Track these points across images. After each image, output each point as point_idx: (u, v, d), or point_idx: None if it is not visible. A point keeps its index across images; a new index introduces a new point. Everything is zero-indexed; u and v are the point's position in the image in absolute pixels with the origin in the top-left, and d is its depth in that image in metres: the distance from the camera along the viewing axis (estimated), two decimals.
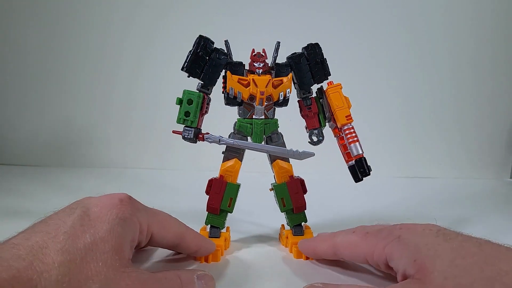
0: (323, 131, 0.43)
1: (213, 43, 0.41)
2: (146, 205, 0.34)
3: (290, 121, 0.44)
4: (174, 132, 0.41)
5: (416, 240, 0.30)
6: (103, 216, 0.29)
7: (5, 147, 0.87)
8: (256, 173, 0.54)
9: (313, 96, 0.43)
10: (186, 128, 0.41)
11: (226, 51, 0.42)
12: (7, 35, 0.84)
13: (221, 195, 0.42)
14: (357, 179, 0.42)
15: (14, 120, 0.87)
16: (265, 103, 0.42)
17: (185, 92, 0.41)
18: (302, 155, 0.41)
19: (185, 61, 0.41)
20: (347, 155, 0.43)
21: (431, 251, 0.28)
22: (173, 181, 0.78)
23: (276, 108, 0.43)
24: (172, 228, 0.36)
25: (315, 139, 0.43)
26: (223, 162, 0.43)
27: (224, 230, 0.43)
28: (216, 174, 0.43)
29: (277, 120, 0.43)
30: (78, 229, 0.27)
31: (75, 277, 0.24)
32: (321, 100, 0.43)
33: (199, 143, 0.42)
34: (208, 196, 0.42)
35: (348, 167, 0.43)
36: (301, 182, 0.43)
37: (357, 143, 0.42)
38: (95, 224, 0.28)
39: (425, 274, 0.27)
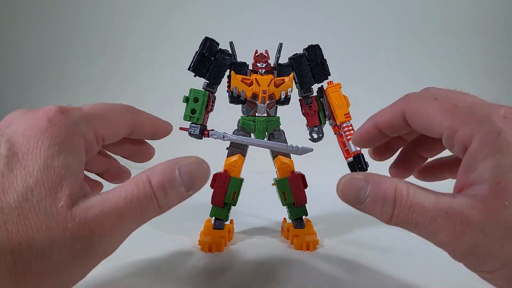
0: (323, 128, 0.45)
1: (218, 44, 0.43)
2: (81, 106, 0.27)
3: (291, 121, 0.46)
4: (181, 128, 0.43)
5: None
6: (33, 148, 0.23)
7: None
8: (256, 173, 0.56)
9: (313, 95, 0.45)
10: (192, 125, 0.43)
11: (230, 52, 0.44)
12: (9, 35, 0.86)
13: (225, 189, 0.43)
14: None
15: None
16: (268, 102, 0.43)
17: (191, 90, 0.43)
18: (301, 151, 0.43)
19: (192, 61, 0.43)
20: (346, 151, 0.44)
21: None
22: None
23: (278, 106, 0.45)
24: (122, 120, 0.30)
25: (315, 136, 0.45)
26: (227, 157, 0.44)
27: (228, 222, 0.45)
28: (219, 170, 0.45)
29: (279, 117, 0.45)
30: (8, 175, 0.22)
31: (14, 238, 0.21)
32: (321, 99, 0.45)
33: (204, 141, 0.44)
34: (212, 190, 0.44)
35: (347, 163, 0.45)
36: (302, 177, 0.45)
37: None
38: (26, 163, 0.22)
39: (498, 205, 0.21)
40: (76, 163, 0.24)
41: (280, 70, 0.44)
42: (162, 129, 0.34)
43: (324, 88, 0.45)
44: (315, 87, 0.45)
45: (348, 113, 0.44)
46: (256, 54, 0.44)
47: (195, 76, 0.43)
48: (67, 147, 0.24)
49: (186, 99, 0.42)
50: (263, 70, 0.43)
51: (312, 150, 0.43)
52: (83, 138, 0.26)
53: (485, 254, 0.21)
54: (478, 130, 0.23)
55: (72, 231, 0.22)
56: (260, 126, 0.44)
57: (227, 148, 0.45)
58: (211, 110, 0.44)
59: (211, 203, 0.44)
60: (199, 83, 0.44)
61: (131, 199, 0.23)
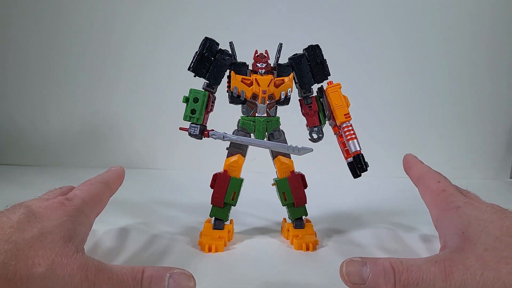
0: (323, 129, 0.45)
1: (218, 44, 0.43)
2: (77, 193, 0.35)
3: (291, 121, 0.46)
4: (181, 128, 0.43)
5: (472, 214, 0.31)
6: (49, 214, 0.30)
7: (25, 148, 0.90)
8: (256, 173, 0.56)
9: (313, 95, 0.45)
10: (192, 125, 0.43)
11: (230, 52, 0.44)
12: (8, 35, 0.86)
13: (225, 189, 0.44)
14: (355, 175, 0.44)
15: (30, 122, 0.89)
16: (267, 102, 0.44)
17: (191, 91, 0.43)
18: (301, 151, 0.43)
19: (192, 62, 0.43)
20: (346, 152, 0.44)
21: (481, 226, 0.29)
22: (178, 178, 0.80)
23: (278, 107, 0.45)
24: (105, 197, 0.38)
25: (315, 136, 0.45)
26: (227, 157, 0.45)
27: (227, 223, 0.45)
28: (219, 171, 0.45)
29: (278, 118, 0.45)
30: (25, 224, 0.28)
31: (21, 261, 0.25)
32: (321, 99, 0.45)
33: (204, 141, 0.44)
34: (212, 190, 0.44)
35: (347, 164, 0.45)
36: (302, 177, 0.45)
37: (355, 140, 0.44)
38: (42, 221, 0.29)
39: (467, 245, 0.28)
40: (83, 232, 0.31)
41: (280, 70, 0.44)
42: (119, 180, 0.41)
43: (324, 88, 0.45)
44: (315, 87, 0.46)
45: (348, 113, 0.44)
46: (256, 54, 0.44)
47: (195, 76, 0.43)
48: (77, 220, 0.31)
49: (186, 99, 0.43)
50: (263, 70, 0.43)
51: (312, 150, 0.43)
52: (87, 218, 0.33)
53: (473, 286, 0.26)
54: (446, 207, 0.34)
55: (73, 269, 0.26)
56: (260, 126, 0.44)
57: (227, 148, 0.45)
58: (211, 110, 0.44)
59: (211, 203, 0.44)
60: (199, 83, 0.44)
61: (122, 278, 0.27)
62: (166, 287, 0.28)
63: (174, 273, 0.28)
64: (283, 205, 0.45)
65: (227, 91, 0.44)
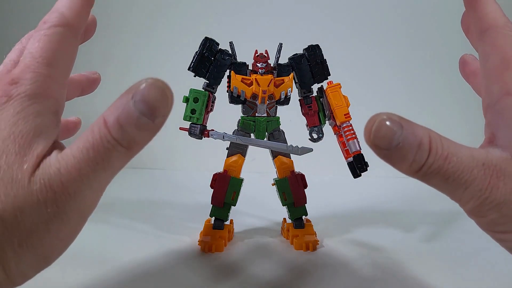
0: (323, 128, 0.45)
1: (218, 44, 0.43)
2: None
3: (291, 121, 0.46)
4: (181, 128, 0.43)
5: None
6: None
7: None
8: (256, 173, 0.56)
9: (313, 95, 0.45)
10: (192, 125, 0.43)
11: (230, 52, 0.44)
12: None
13: (225, 189, 0.44)
14: (355, 174, 0.44)
15: None
16: (267, 102, 0.44)
17: (191, 91, 0.43)
18: (301, 151, 0.43)
19: (192, 62, 0.43)
20: (346, 151, 0.44)
21: None
22: (178, 178, 0.80)
23: (278, 106, 0.45)
24: (67, 49, 0.26)
25: (315, 136, 0.45)
26: (227, 157, 0.45)
27: (228, 222, 0.45)
28: (219, 171, 0.45)
29: (278, 118, 0.45)
30: None
31: None
32: (321, 99, 0.45)
33: (203, 141, 0.44)
34: (212, 190, 0.44)
35: (347, 164, 0.45)
36: (302, 177, 0.45)
37: (355, 140, 0.43)
38: None
39: None
40: (44, 125, 0.23)
41: (280, 70, 0.44)
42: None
43: (324, 88, 0.45)
44: (315, 87, 0.46)
45: (348, 113, 0.44)
46: (256, 54, 0.44)
47: (195, 76, 0.44)
48: (32, 113, 0.22)
49: (186, 99, 0.43)
50: (263, 70, 0.43)
51: (312, 150, 0.43)
52: (48, 98, 0.23)
53: None
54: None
55: (38, 195, 0.20)
56: (260, 126, 0.44)
57: (227, 148, 0.45)
58: (211, 110, 0.44)
59: (211, 203, 0.44)
60: (199, 83, 0.44)
61: (88, 148, 0.21)
62: (140, 113, 0.21)
63: (136, 93, 0.21)
64: (283, 205, 0.45)
65: (227, 91, 0.44)
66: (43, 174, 0.21)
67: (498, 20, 0.25)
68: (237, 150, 0.44)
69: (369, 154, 0.44)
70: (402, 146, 0.21)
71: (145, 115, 0.21)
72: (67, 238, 0.23)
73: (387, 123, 0.21)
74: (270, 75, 0.43)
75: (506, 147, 0.23)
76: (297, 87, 0.45)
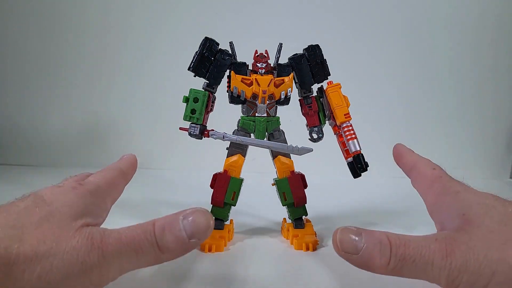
0: (323, 128, 0.45)
1: (218, 44, 0.43)
2: (91, 179, 0.33)
3: (291, 121, 0.46)
4: (181, 128, 0.43)
5: (473, 198, 0.29)
6: (60, 198, 0.28)
7: (25, 148, 0.90)
8: (256, 173, 0.56)
9: (313, 95, 0.45)
10: (192, 125, 0.43)
11: (230, 52, 0.44)
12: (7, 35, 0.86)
13: (225, 189, 0.44)
14: (355, 174, 0.44)
15: (33, 122, 0.89)
16: (267, 102, 0.44)
17: (191, 91, 0.43)
18: (301, 151, 0.43)
19: (192, 62, 0.43)
20: (346, 151, 0.44)
21: (483, 209, 0.28)
22: (178, 178, 0.80)
23: (278, 106, 0.45)
24: (118, 184, 0.35)
25: (315, 136, 0.45)
26: (227, 157, 0.45)
27: (227, 222, 0.45)
28: (219, 171, 0.45)
29: (279, 117, 0.45)
30: (32, 208, 0.26)
31: (27, 243, 0.24)
32: (321, 99, 0.45)
33: (204, 141, 0.44)
34: (212, 190, 0.44)
35: (347, 164, 0.45)
36: (302, 177, 0.45)
37: (355, 140, 0.44)
38: (52, 204, 0.27)
39: (470, 226, 0.27)
40: (96, 213, 0.30)
41: (280, 70, 0.44)
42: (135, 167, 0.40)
43: (324, 88, 0.45)
44: (315, 87, 0.46)
45: (348, 113, 0.44)
46: (256, 54, 0.44)
47: (195, 76, 0.44)
48: (89, 201, 0.29)
49: (186, 99, 0.43)
50: (263, 70, 0.43)
51: (312, 150, 0.43)
52: (102, 201, 0.31)
53: (475, 266, 0.25)
54: (444, 192, 0.32)
55: (77, 241, 0.24)
56: (260, 126, 0.44)
57: (227, 148, 0.45)
58: (211, 110, 0.44)
59: (211, 203, 0.44)
60: (199, 83, 0.44)
61: (132, 235, 0.26)
62: (183, 229, 0.26)
63: (187, 214, 0.27)
64: (283, 205, 0.45)
65: (227, 91, 0.44)
66: (88, 230, 0.26)
67: (417, 159, 0.38)
68: (237, 150, 0.44)
69: (369, 154, 0.45)
70: (366, 247, 0.26)
71: (186, 231, 0.26)
72: None
73: (349, 234, 0.27)
74: (270, 75, 0.43)
75: (450, 226, 0.29)
76: (297, 87, 0.45)
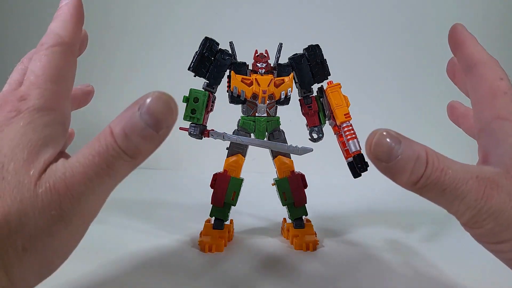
0: (323, 128, 0.45)
1: (218, 44, 0.43)
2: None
3: (291, 121, 0.46)
4: (181, 128, 0.43)
5: None
6: (6, 133, 0.23)
7: None
8: (256, 173, 0.56)
9: (313, 95, 0.45)
10: (192, 125, 0.43)
11: (230, 52, 0.44)
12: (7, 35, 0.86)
13: (225, 189, 0.44)
14: (355, 174, 0.44)
15: None
16: (267, 102, 0.44)
17: (191, 91, 0.43)
18: (301, 151, 0.43)
19: (192, 61, 0.43)
20: (346, 151, 0.44)
21: None
22: (178, 178, 0.80)
23: (278, 106, 0.45)
24: (68, 70, 0.27)
25: (315, 136, 0.45)
26: (227, 157, 0.45)
27: (227, 222, 0.45)
28: (219, 170, 0.45)
29: (279, 117, 0.45)
30: None
31: None
32: (321, 99, 0.45)
33: (203, 141, 0.44)
34: (212, 190, 0.44)
35: (347, 164, 0.45)
36: (302, 177, 0.45)
37: (355, 140, 0.43)
38: (1, 147, 0.22)
39: None
40: (51, 135, 0.24)
41: (280, 70, 0.44)
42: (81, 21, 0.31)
43: (324, 88, 0.45)
44: (315, 87, 0.46)
45: (348, 113, 0.44)
46: (256, 54, 0.44)
47: (195, 76, 0.43)
48: (39, 124, 0.23)
49: (186, 99, 0.43)
50: (263, 70, 0.43)
51: (312, 150, 0.43)
52: (54, 111, 0.25)
53: (507, 219, 0.22)
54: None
55: (42, 198, 0.21)
56: (260, 126, 0.44)
57: (227, 148, 0.45)
58: (211, 110, 0.44)
59: (211, 203, 0.44)
60: (199, 83, 0.44)
61: (93, 154, 0.22)
62: (145, 124, 0.22)
63: (142, 104, 0.22)
64: (283, 205, 0.45)
65: (227, 91, 0.44)
66: (49, 178, 0.22)
67: (483, 57, 0.29)
68: (237, 150, 0.44)
69: None
70: (401, 159, 0.23)
71: (150, 126, 0.22)
72: (69, 244, 0.23)
73: (387, 139, 0.24)
74: (270, 75, 0.43)
75: (498, 163, 0.25)
76: (297, 87, 0.45)
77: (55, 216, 0.21)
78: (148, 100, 0.22)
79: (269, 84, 0.43)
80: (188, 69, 0.43)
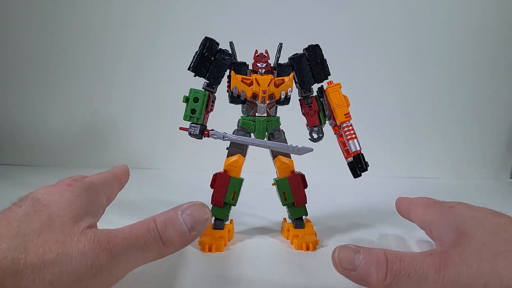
0: (323, 128, 0.45)
1: (218, 44, 0.43)
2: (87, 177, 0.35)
3: (291, 121, 0.46)
4: (181, 128, 0.43)
5: (466, 212, 0.32)
6: (57, 198, 0.28)
7: (25, 148, 0.90)
8: (256, 173, 0.56)
9: (313, 95, 0.45)
10: (192, 125, 0.43)
11: (230, 52, 0.44)
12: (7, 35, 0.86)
13: (225, 189, 0.44)
14: (355, 174, 0.44)
15: (33, 122, 0.89)
16: (267, 101, 0.44)
17: (191, 90, 0.43)
18: (301, 151, 0.43)
19: (192, 61, 0.43)
20: (346, 151, 0.44)
21: (476, 222, 0.30)
22: (178, 178, 0.80)
23: (278, 106, 0.45)
24: (113, 185, 0.37)
25: (315, 136, 0.45)
26: (227, 157, 0.45)
27: (228, 222, 0.45)
28: (219, 170, 0.45)
29: (279, 117, 0.45)
30: (32, 214, 0.26)
31: (32, 252, 0.24)
32: (321, 99, 0.45)
33: (204, 141, 0.44)
34: (212, 190, 0.44)
35: (347, 163, 0.45)
36: (302, 177, 0.45)
37: (355, 140, 0.43)
38: (50, 206, 0.27)
39: (463, 239, 0.28)
40: (94, 210, 0.30)
41: (280, 70, 0.44)
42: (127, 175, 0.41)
43: (324, 88, 0.45)
44: (315, 87, 0.46)
45: (348, 113, 0.44)
46: (256, 54, 0.44)
47: (195, 76, 0.43)
48: (86, 198, 0.30)
49: (186, 99, 0.43)
50: (263, 70, 0.43)
51: (312, 150, 0.43)
52: (98, 196, 0.32)
53: (468, 279, 0.25)
54: (438, 209, 0.36)
55: (84, 244, 0.25)
56: (260, 126, 0.44)
57: (227, 148, 0.45)
58: (211, 110, 0.44)
59: (211, 203, 0.44)
60: (199, 83, 0.44)
61: (136, 233, 0.27)
62: (183, 222, 0.28)
63: (185, 208, 0.29)
64: (283, 205, 0.45)
65: (227, 91, 0.44)
66: (93, 232, 0.26)
67: (411, 202, 0.42)
68: (237, 150, 0.44)
69: (369, 154, 0.45)
70: (364, 263, 0.27)
71: (186, 224, 0.28)
72: None
73: (347, 251, 0.29)
74: (270, 75, 0.43)
75: (447, 242, 0.30)
76: (297, 87, 0.45)
77: (88, 265, 0.25)
78: (191, 205, 0.29)
79: (269, 84, 0.43)
80: (188, 69, 0.43)
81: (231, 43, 0.44)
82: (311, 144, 0.44)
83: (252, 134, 0.45)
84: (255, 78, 0.43)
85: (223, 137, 0.43)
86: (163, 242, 0.27)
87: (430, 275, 0.26)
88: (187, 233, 0.28)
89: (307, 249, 0.42)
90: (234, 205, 0.44)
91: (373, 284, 0.27)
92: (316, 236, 0.44)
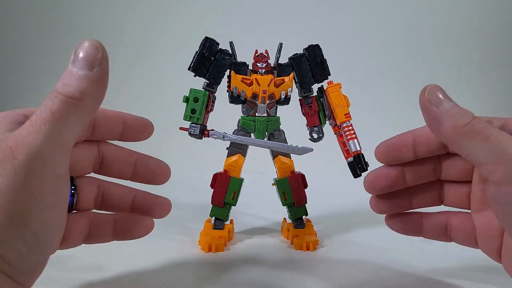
0: (323, 128, 0.45)
1: (218, 44, 0.43)
2: None
3: (291, 121, 0.46)
4: (181, 128, 0.43)
5: None
6: None
7: None
8: (256, 173, 0.56)
9: (313, 95, 0.45)
10: (192, 125, 0.43)
11: (230, 52, 0.44)
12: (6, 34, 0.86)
13: (225, 189, 0.44)
14: (355, 174, 0.44)
15: None
16: (268, 101, 0.44)
17: (191, 90, 0.43)
18: (301, 151, 0.43)
19: (192, 61, 0.43)
20: (346, 151, 0.44)
21: None
22: (178, 178, 0.79)
23: (278, 106, 0.45)
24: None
25: (315, 136, 0.45)
26: (227, 157, 0.45)
27: (228, 222, 0.45)
28: (219, 170, 0.45)
29: (279, 117, 0.45)
30: None
31: None
32: (321, 99, 0.45)
33: (204, 141, 0.44)
34: (212, 190, 0.44)
35: (348, 164, 0.45)
36: (302, 177, 0.45)
37: (355, 140, 0.43)
38: None
39: None
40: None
41: (280, 70, 0.44)
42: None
43: (324, 88, 0.45)
44: (315, 87, 0.46)
45: (348, 113, 0.44)
46: (256, 54, 0.44)
47: (195, 76, 0.43)
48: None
49: (186, 99, 0.43)
50: (263, 70, 0.43)
51: (312, 150, 0.43)
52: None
53: None
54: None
55: None
56: (260, 126, 0.44)
57: (227, 148, 0.45)
58: (211, 110, 0.44)
59: (211, 203, 0.44)
60: (199, 83, 0.44)
61: (39, 108, 0.24)
62: (78, 69, 0.24)
63: (72, 60, 0.25)
64: (283, 205, 0.45)
65: (227, 91, 0.44)
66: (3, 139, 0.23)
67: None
68: (237, 150, 0.44)
69: (369, 154, 0.44)
70: (450, 108, 0.25)
71: (83, 68, 0.25)
72: (49, 204, 0.23)
73: (440, 91, 0.26)
74: (270, 75, 0.43)
75: None
76: (297, 87, 0.45)
77: (10, 168, 0.22)
78: (75, 50, 0.25)
79: (269, 84, 0.43)
80: (188, 69, 0.43)
81: (231, 43, 0.44)
82: (311, 144, 0.44)
83: (252, 134, 0.45)
84: (255, 78, 0.43)
85: (223, 137, 0.43)
86: (75, 98, 0.24)
87: (509, 151, 0.23)
88: (89, 73, 0.25)
89: (307, 249, 0.42)
90: (234, 205, 0.44)
91: (448, 125, 0.25)
92: (316, 236, 0.44)
